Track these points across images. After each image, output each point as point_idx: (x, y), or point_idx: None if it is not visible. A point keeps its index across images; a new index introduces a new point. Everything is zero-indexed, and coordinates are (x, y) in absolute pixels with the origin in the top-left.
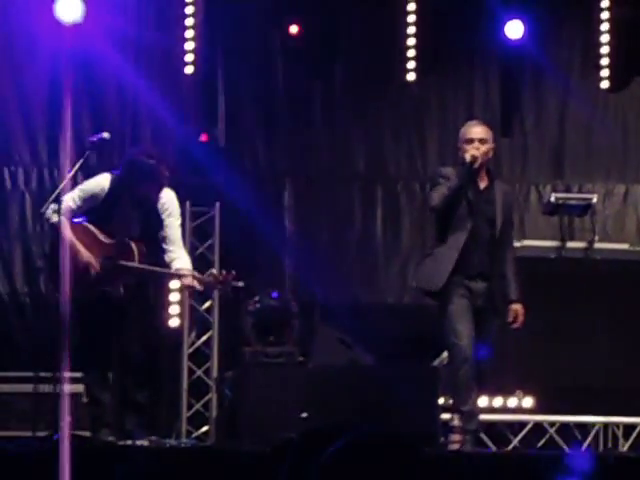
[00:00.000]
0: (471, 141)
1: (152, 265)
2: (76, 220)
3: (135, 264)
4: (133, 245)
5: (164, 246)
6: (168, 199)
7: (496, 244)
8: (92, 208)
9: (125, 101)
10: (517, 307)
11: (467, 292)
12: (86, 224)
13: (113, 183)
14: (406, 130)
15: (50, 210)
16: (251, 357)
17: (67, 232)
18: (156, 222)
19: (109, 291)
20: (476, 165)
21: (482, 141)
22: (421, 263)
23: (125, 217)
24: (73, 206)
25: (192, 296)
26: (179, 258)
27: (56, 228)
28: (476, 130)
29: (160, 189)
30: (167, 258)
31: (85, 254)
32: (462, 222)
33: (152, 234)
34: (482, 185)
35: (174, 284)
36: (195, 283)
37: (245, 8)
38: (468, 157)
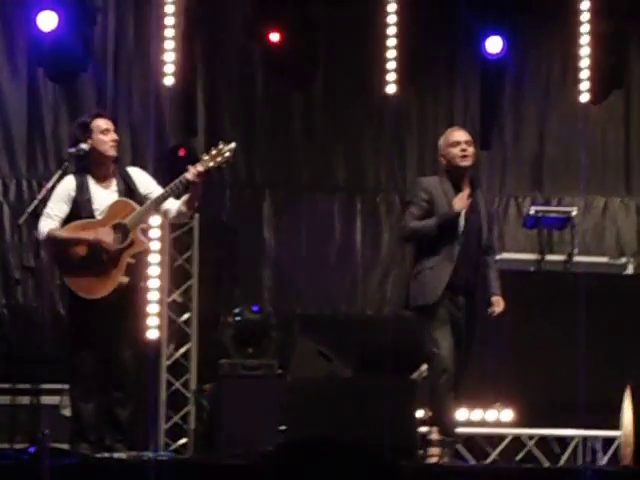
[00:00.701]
0: (457, 143)
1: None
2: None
3: (137, 210)
4: (127, 200)
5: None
6: (137, 174)
7: (480, 252)
8: (72, 213)
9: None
10: (498, 298)
11: (450, 304)
12: (74, 222)
13: (78, 177)
14: (386, 143)
15: (40, 228)
16: (229, 369)
17: (62, 233)
18: (137, 197)
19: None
20: (458, 214)
21: (468, 143)
22: (415, 281)
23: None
24: (52, 219)
25: (197, 196)
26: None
27: (49, 241)
28: (460, 133)
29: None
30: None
31: (92, 236)
32: (453, 236)
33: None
34: (466, 192)
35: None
36: (197, 170)
37: (225, 18)
38: (458, 207)
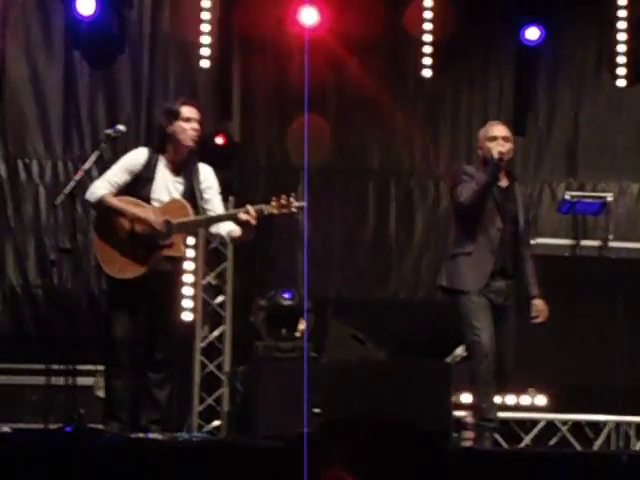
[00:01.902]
0: (494, 139)
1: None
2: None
3: (191, 217)
4: (186, 203)
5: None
6: (206, 173)
7: (517, 242)
8: (129, 186)
9: (140, 94)
10: (539, 302)
11: (487, 290)
12: (129, 197)
13: (151, 154)
14: (420, 127)
15: (89, 192)
16: (264, 352)
17: (115, 202)
18: (197, 196)
19: (157, 270)
20: (503, 162)
21: (505, 139)
22: (452, 262)
23: (166, 189)
24: (110, 184)
25: (249, 234)
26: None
27: (99, 205)
28: (499, 128)
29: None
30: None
31: (144, 214)
32: (492, 220)
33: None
34: (504, 184)
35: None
36: (250, 218)
37: (261, 1)
38: (495, 154)
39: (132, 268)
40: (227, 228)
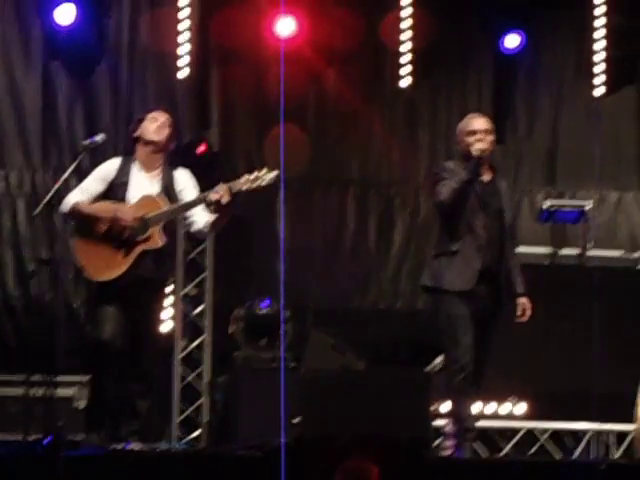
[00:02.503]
0: (474, 133)
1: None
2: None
3: (164, 209)
4: (156, 196)
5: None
6: (181, 176)
7: (503, 238)
8: (107, 193)
9: (118, 104)
10: (524, 300)
11: (470, 295)
12: (104, 201)
13: (124, 161)
14: (399, 136)
15: (62, 204)
16: (243, 362)
17: (85, 208)
18: (173, 198)
19: (142, 276)
20: (483, 160)
21: (486, 132)
22: (436, 262)
23: (142, 190)
24: (82, 193)
25: (223, 216)
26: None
27: (72, 214)
28: (479, 121)
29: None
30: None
31: (111, 214)
32: (476, 217)
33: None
34: (486, 178)
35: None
36: (220, 196)
37: (239, 10)
38: (475, 151)
39: (113, 268)
40: (204, 219)
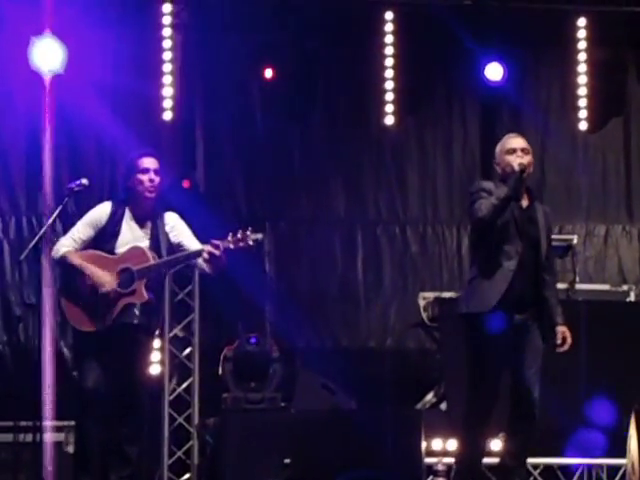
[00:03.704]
0: (514, 151)
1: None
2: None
3: (152, 262)
4: (145, 249)
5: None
6: (170, 219)
7: (539, 269)
8: (96, 240)
9: (103, 148)
10: (564, 329)
11: (503, 320)
12: (93, 250)
13: (115, 205)
14: (385, 173)
15: (54, 250)
16: (232, 403)
17: (74, 260)
18: (162, 245)
19: (128, 323)
20: (525, 175)
21: (525, 151)
22: (469, 288)
23: (132, 241)
24: (74, 241)
25: (215, 268)
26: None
27: (63, 263)
28: (517, 140)
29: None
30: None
31: (97, 274)
32: (511, 242)
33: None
34: (524, 204)
35: None
36: (213, 249)
37: (222, 54)
38: (517, 166)
39: (96, 321)
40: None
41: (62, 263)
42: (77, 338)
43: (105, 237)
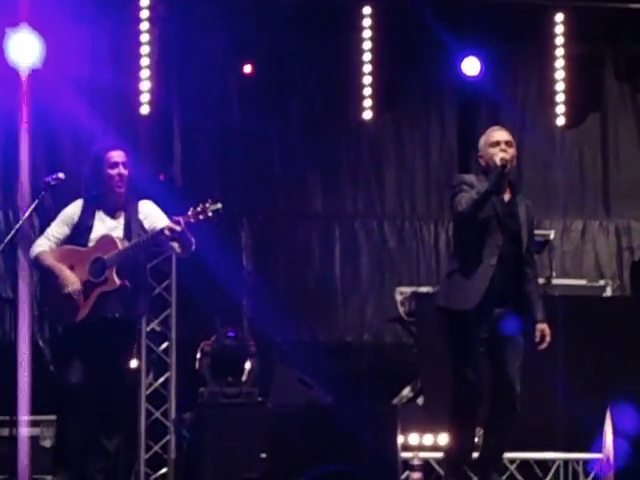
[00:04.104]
0: (497, 144)
1: None
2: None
3: (120, 248)
4: (114, 236)
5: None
6: (143, 207)
7: (520, 263)
8: (70, 235)
9: (80, 142)
10: (543, 327)
11: (485, 317)
12: (67, 246)
13: (86, 201)
14: (363, 168)
15: (31, 250)
16: (209, 398)
17: (46, 260)
18: (134, 233)
19: (105, 317)
20: (507, 169)
21: (508, 143)
22: (448, 281)
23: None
24: (49, 239)
25: (182, 247)
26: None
27: (36, 263)
28: (501, 133)
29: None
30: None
31: (64, 274)
32: (492, 236)
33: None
34: (506, 198)
35: None
36: (174, 225)
37: (200, 48)
38: (498, 160)
39: (74, 313)
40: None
41: (36, 263)
42: (58, 333)
43: (79, 232)
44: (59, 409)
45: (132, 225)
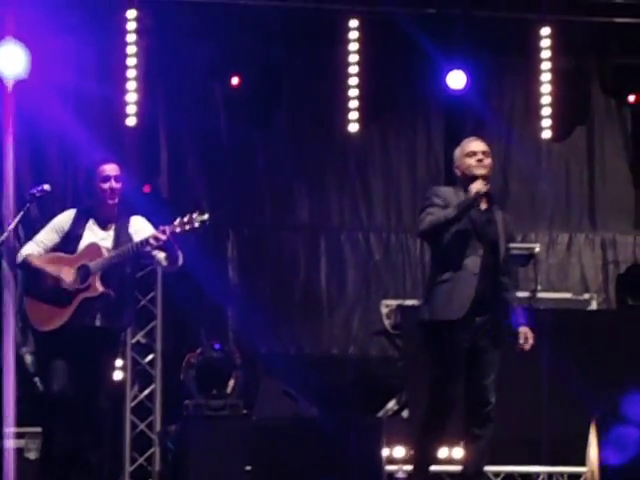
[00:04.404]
0: (474, 154)
1: None
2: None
3: (105, 256)
4: (100, 245)
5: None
6: (135, 222)
7: (499, 272)
8: (60, 244)
9: (66, 153)
10: (526, 330)
11: (465, 325)
12: (53, 252)
13: (80, 213)
14: (349, 180)
15: (18, 254)
16: (194, 410)
17: (34, 262)
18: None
19: (86, 325)
20: (479, 201)
21: (485, 153)
22: (430, 294)
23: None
24: (37, 245)
25: (168, 259)
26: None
27: (22, 265)
28: (478, 143)
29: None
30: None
31: (56, 272)
32: (471, 246)
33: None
34: (483, 206)
35: None
36: (159, 234)
37: (186, 60)
38: (474, 189)
39: (55, 319)
40: (162, 254)
41: (23, 266)
42: (40, 341)
43: (68, 240)
44: (43, 419)
45: (121, 237)
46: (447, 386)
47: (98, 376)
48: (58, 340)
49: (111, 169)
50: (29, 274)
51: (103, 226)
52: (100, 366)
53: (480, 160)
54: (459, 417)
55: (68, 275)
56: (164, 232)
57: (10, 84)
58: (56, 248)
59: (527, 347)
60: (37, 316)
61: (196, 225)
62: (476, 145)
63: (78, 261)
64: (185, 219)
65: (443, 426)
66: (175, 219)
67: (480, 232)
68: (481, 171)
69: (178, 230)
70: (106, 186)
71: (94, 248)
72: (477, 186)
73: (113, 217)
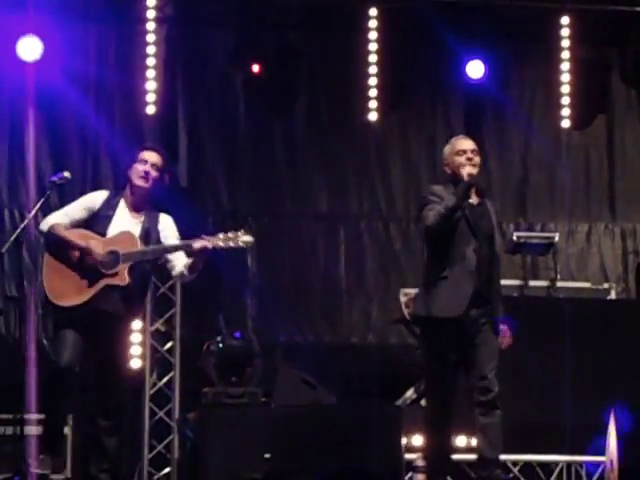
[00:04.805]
0: (464, 152)
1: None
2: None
3: (139, 249)
4: (135, 235)
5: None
6: (166, 222)
7: (493, 262)
8: (88, 222)
9: (86, 141)
10: (503, 328)
11: (464, 319)
12: (83, 230)
13: (112, 195)
14: (369, 169)
15: (43, 222)
16: (213, 398)
17: (62, 231)
18: (152, 240)
19: (106, 311)
20: (473, 182)
21: (474, 152)
22: (426, 290)
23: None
24: (66, 215)
25: (194, 267)
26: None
27: (49, 234)
28: (466, 142)
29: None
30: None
31: (85, 243)
32: (466, 241)
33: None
34: (475, 201)
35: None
36: (206, 243)
37: (206, 48)
38: (465, 175)
39: (73, 296)
40: (183, 261)
41: (49, 234)
42: (56, 315)
43: (98, 220)
44: (49, 396)
45: (151, 230)
46: (444, 378)
47: (114, 361)
48: (72, 318)
49: (150, 155)
50: (54, 243)
51: (134, 212)
52: (115, 351)
53: (470, 159)
54: (471, 407)
55: (99, 251)
56: (209, 242)
57: (31, 73)
58: (81, 225)
59: (504, 346)
60: (57, 290)
61: (240, 244)
62: (466, 144)
63: (110, 245)
64: (230, 235)
65: (447, 417)
66: (219, 232)
67: (474, 227)
68: (471, 170)
69: (222, 245)
70: (140, 168)
71: (129, 236)
72: (467, 170)
73: (143, 204)
